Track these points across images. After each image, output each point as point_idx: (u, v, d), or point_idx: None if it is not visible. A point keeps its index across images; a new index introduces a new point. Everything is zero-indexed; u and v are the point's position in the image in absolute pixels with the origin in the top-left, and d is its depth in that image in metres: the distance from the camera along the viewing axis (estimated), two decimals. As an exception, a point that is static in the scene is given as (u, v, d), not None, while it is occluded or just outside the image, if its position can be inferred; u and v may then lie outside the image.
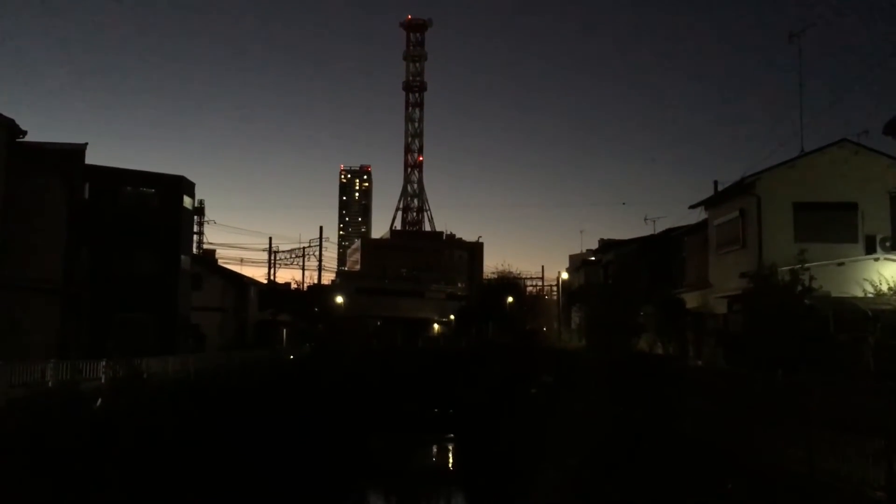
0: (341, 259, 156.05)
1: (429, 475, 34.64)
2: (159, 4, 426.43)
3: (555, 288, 67.68)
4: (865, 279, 22.04)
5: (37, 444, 14.18)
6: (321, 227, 67.48)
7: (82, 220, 30.43)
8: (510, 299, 57.95)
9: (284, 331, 60.46)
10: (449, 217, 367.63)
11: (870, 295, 21.40)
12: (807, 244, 21.72)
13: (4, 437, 13.92)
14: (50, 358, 20.14)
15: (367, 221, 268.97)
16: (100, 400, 18.48)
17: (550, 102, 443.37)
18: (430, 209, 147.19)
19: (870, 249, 23.80)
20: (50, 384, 17.90)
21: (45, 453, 14.10)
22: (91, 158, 34.21)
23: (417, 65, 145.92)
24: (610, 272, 42.81)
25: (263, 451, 22.74)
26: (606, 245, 50.25)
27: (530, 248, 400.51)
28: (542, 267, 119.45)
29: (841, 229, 24.42)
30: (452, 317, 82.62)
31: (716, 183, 31.56)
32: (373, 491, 30.28)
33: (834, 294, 20.97)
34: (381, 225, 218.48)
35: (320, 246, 66.42)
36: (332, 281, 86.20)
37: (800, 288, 18.80)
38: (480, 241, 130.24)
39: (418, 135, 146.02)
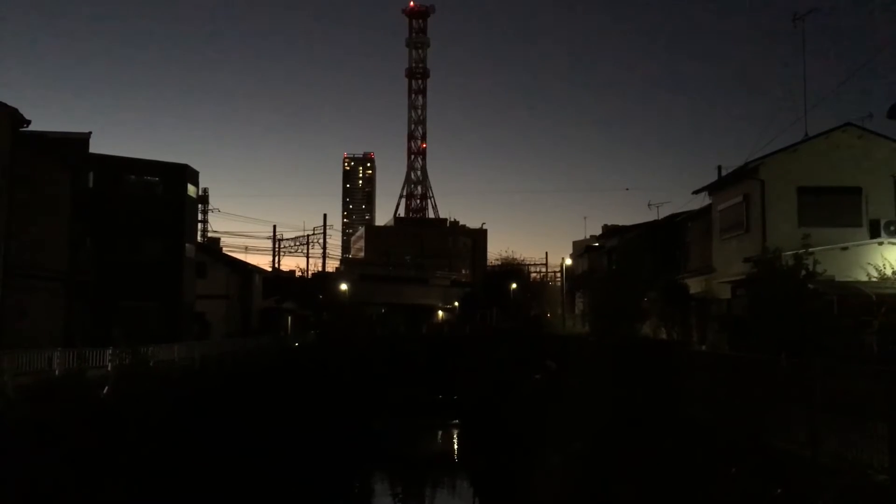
0: (345, 247, 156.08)
1: (433, 460, 34.80)
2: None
3: (558, 274, 67.62)
4: (870, 263, 22.03)
5: (44, 431, 14.27)
6: (325, 215, 67.46)
7: (87, 208, 30.52)
8: (514, 286, 57.99)
9: (289, 318, 60.60)
10: (453, 204, 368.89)
11: (874, 279, 21.40)
12: (811, 228, 21.68)
13: (12, 425, 14.01)
14: (56, 346, 20.27)
15: (370, 209, 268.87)
16: (106, 387, 18.59)
17: (553, 88, 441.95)
18: (433, 196, 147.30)
19: (874, 234, 23.77)
20: (57, 372, 18.00)
21: (53, 441, 14.19)
22: (95, 147, 34.34)
23: (420, 51, 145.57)
24: (613, 258, 42.80)
25: (269, 438, 22.85)
26: (610, 231, 50.26)
27: (534, 234, 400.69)
28: (546, 253, 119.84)
29: (845, 214, 24.38)
30: (456, 303, 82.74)
31: (720, 168, 31.48)
32: (377, 476, 30.43)
33: (838, 278, 20.95)
34: (384, 212, 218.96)
35: (324, 233, 66.44)
36: (337, 268, 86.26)
37: (804, 272, 18.78)
38: (484, 227, 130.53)
39: (421, 122, 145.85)
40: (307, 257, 68.99)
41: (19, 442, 13.56)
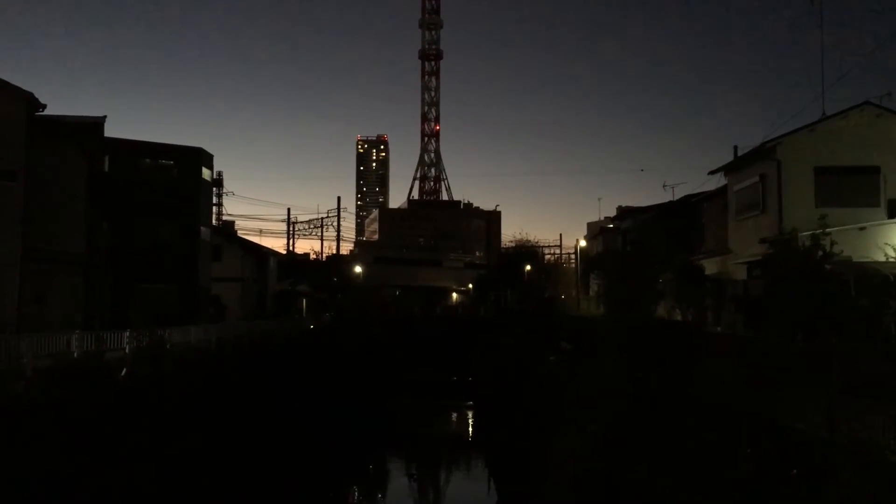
0: (359, 229, 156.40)
1: (448, 440, 34.99)
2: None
3: (573, 256, 67.56)
4: (887, 243, 21.82)
5: (63, 413, 14.42)
6: (339, 198, 67.62)
7: (103, 192, 30.66)
8: (528, 267, 57.98)
9: (304, 301, 60.87)
10: (466, 186, 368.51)
11: (891, 259, 21.21)
12: (828, 209, 21.51)
13: (32, 407, 14.16)
14: (74, 328, 20.45)
15: (384, 191, 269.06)
16: (124, 369, 18.76)
17: (568, 69, 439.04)
18: (447, 178, 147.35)
19: (892, 214, 23.57)
20: (75, 354, 18.17)
21: (72, 422, 14.34)
22: (110, 131, 34.47)
23: (433, 33, 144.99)
24: (628, 239, 42.68)
25: (284, 419, 23.02)
26: (624, 212, 50.07)
27: (548, 216, 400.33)
28: (560, 235, 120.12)
29: (862, 193, 24.18)
30: (471, 285, 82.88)
31: (736, 148, 31.30)
32: (392, 456, 30.64)
33: (855, 259, 20.79)
34: (398, 195, 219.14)
35: (338, 216, 66.53)
36: (351, 251, 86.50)
37: (820, 253, 18.66)
38: (498, 209, 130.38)
39: (435, 104, 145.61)
40: (321, 240, 69.19)
41: (39, 424, 13.72)
